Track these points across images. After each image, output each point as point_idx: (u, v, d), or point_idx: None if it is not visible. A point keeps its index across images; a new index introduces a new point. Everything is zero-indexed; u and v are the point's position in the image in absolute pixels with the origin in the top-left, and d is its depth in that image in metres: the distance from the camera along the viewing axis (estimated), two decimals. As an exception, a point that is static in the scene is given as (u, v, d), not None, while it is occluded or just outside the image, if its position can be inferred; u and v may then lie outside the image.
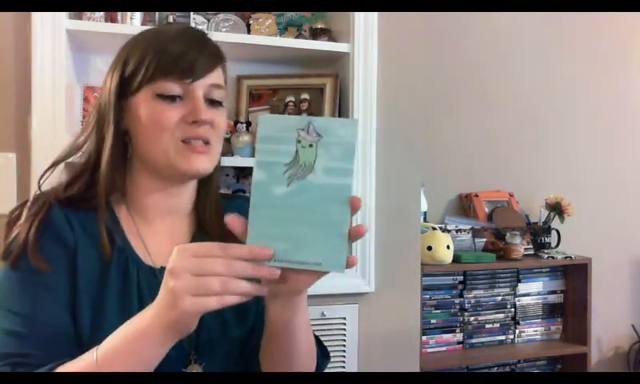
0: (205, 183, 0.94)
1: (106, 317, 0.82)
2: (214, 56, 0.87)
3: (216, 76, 0.87)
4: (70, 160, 0.91)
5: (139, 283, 0.86)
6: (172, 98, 0.84)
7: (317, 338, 0.96)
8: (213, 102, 0.87)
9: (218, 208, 0.95)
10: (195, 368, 0.86)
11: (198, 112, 0.83)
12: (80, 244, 0.84)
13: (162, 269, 0.82)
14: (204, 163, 0.85)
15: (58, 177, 0.91)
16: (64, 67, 1.47)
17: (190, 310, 0.65)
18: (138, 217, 0.90)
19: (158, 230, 0.90)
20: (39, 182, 0.89)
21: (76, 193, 0.86)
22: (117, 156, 0.86)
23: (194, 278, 0.65)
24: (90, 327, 0.81)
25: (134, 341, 0.70)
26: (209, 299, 0.65)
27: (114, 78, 0.86)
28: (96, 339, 0.76)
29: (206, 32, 0.90)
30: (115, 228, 0.87)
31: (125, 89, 0.86)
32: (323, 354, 0.96)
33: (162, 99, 0.83)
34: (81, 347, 0.79)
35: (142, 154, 0.87)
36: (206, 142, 0.85)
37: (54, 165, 0.90)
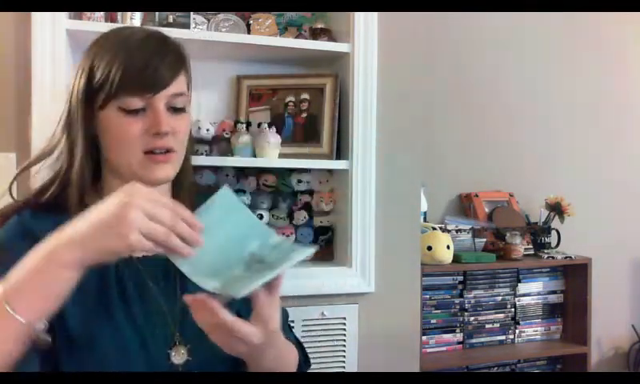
0: (177, 181, 0.98)
1: (82, 309, 0.84)
2: (175, 64, 0.90)
3: (177, 84, 0.90)
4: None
5: (118, 273, 0.89)
6: (134, 111, 0.87)
7: (299, 344, 1.03)
8: (175, 110, 0.90)
9: (192, 202, 0.96)
10: (180, 350, 0.89)
11: (158, 125, 0.87)
12: None
13: (143, 258, 0.90)
14: (165, 171, 0.90)
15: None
16: (64, 67, 1.47)
17: (133, 246, 0.70)
18: None
19: None
20: (10, 187, 0.93)
21: (48, 198, 0.90)
22: (86, 162, 0.91)
23: (146, 220, 0.70)
24: (62, 323, 0.83)
25: (42, 262, 0.72)
26: (148, 244, 0.71)
27: (80, 84, 0.90)
28: (67, 332, 0.82)
29: (168, 37, 0.93)
30: None
31: (92, 99, 0.89)
32: (306, 360, 1.03)
33: (125, 113, 0.87)
34: (54, 344, 0.82)
35: (110, 162, 0.92)
36: (168, 150, 0.89)
37: (26, 168, 0.95)
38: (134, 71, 0.86)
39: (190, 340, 0.89)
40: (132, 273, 0.90)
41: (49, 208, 0.89)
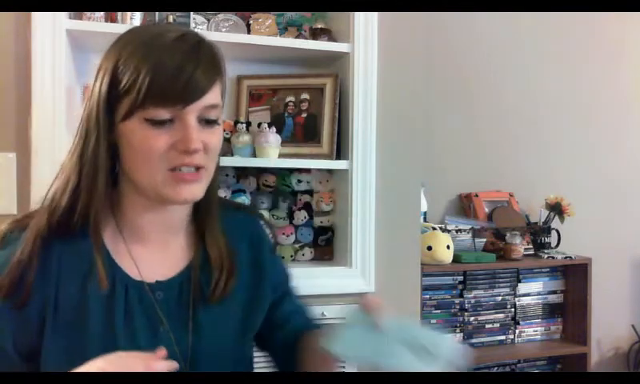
0: (204, 197, 0.87)
1: (86, 337, 0.80)
2: (211, 71, 0.79)
3: (212, 95, 0.79)
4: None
5: (127, 299, 0.83)
6: (161, 123, 0.77)
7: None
8: (207, 122, 0.80)
9: (217, 221, 0.91)
10: None
11: (188, 141, 0.77)
12: (63, 276, 0.82)
13: (157, 283, 0.85)
14: (194, 191, 0.81)
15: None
16: (64, 67, 1.47)
17: None
18: (129, 234, 0.86)
19: (152, 245, 0.87)
20: (48, 223, 0.81)
21: (63, 214, 0.81)
22: (107, 176, 0.82)
23: None
24: (65, 350, 0.80)
25: None
26: None
27: (102, 88, 0.79)
28: (75, 359, 0.75)
29: (203, 38, 0.81)
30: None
31: (115, 106, 0.79)
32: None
33: (150, 124, 0.77)
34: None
35: (130, 176, 0.82)
36: (198, 168, 0.80)
37: (54, 196, 0.83)
38: (164, 79, 0.75)
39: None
40: (143, 299, 0.84)
41: (62, 231, 0.81)
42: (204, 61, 0.79)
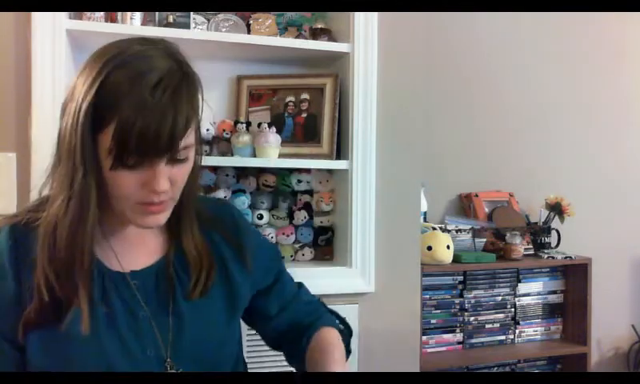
0: (179, 203, 0.89)
1: (67, 322, 0.82)
2: (186, 121, 0.78)
3: (185, 141, 0.79)
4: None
5: (105, 289, 0.86)
6: (132, 165, 0.77)
7: (339, 317, 1.11)
8: (177, 160, 0.81)
9: (194, 224, 0.94)
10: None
11: (156, 184, 0.78)
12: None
13: (132, 272, 0.88)
14: (158, 219, 0.84)
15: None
16: (64, 67, 1.47)
17: None
18: (109, 229, 0.89)
19: (130, 238, 0.91)
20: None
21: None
22: (96, 217, 0.82)
23: None
24: (40, 338, 0.83)
25: None
26: None
27: (86, 121, 0.77)
28: (57, 346, 0.81)
29: (187, 72, 0.81)
30: None
31: (95, 130, 0.77)
32: (343, 324, 1.09)
33: (121, 165, 0.77)
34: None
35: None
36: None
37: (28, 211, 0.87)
38: (143, 139, 0.75)
39: (182, 363, 0.87)
40: (119, 288, 0.87)
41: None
42: (184, 110, 0.77)
